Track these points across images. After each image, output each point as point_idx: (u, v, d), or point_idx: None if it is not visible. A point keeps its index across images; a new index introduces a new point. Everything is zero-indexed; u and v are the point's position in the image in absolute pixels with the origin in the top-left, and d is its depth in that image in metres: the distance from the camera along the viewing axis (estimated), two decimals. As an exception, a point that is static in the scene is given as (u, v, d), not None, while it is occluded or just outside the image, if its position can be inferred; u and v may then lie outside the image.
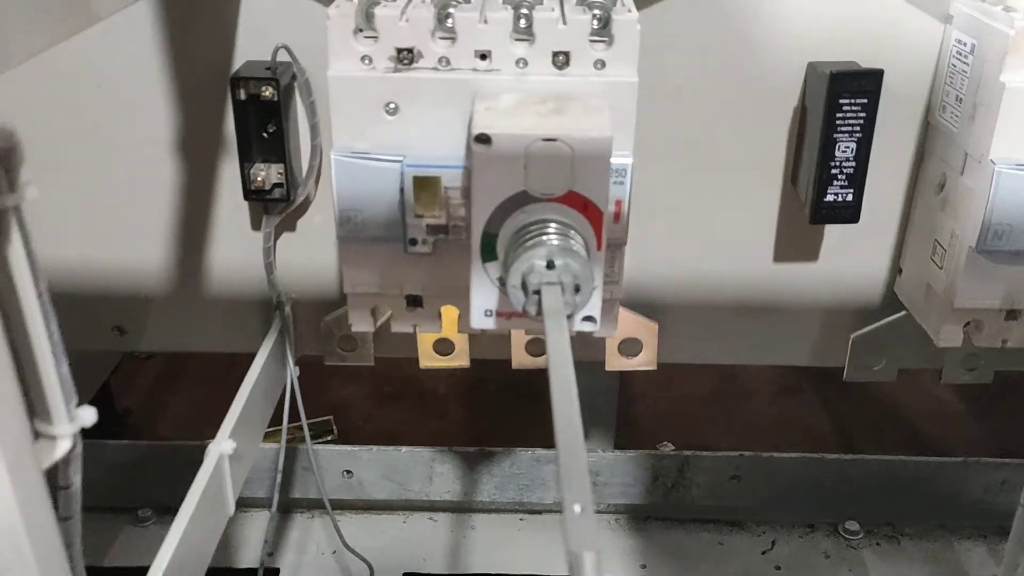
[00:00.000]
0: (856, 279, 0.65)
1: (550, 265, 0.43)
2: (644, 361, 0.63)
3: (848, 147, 0.55)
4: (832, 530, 0.95)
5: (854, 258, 0.64)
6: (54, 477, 0.31)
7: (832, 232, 0.63)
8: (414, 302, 0.56)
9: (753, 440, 0.96)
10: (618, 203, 0.51)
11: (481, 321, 0.49)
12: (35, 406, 0.30)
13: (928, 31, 0.57)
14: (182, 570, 0.47)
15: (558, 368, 0.36)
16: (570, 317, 0.44)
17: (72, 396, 0.30)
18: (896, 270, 0.64)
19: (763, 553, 0.92)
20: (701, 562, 0.91)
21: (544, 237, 0.44)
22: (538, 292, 0.43)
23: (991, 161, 0.51)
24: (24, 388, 0.28)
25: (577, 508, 0.29)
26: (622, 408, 1.18)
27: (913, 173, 0.61)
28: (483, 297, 0.48)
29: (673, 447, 1.08)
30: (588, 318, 0.49)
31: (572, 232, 0.45)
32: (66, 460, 0.31)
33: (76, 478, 0.32)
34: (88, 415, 0.31)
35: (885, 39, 0.58)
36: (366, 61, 0.50)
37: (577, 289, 0.43)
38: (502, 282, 0.47)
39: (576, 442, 0.32)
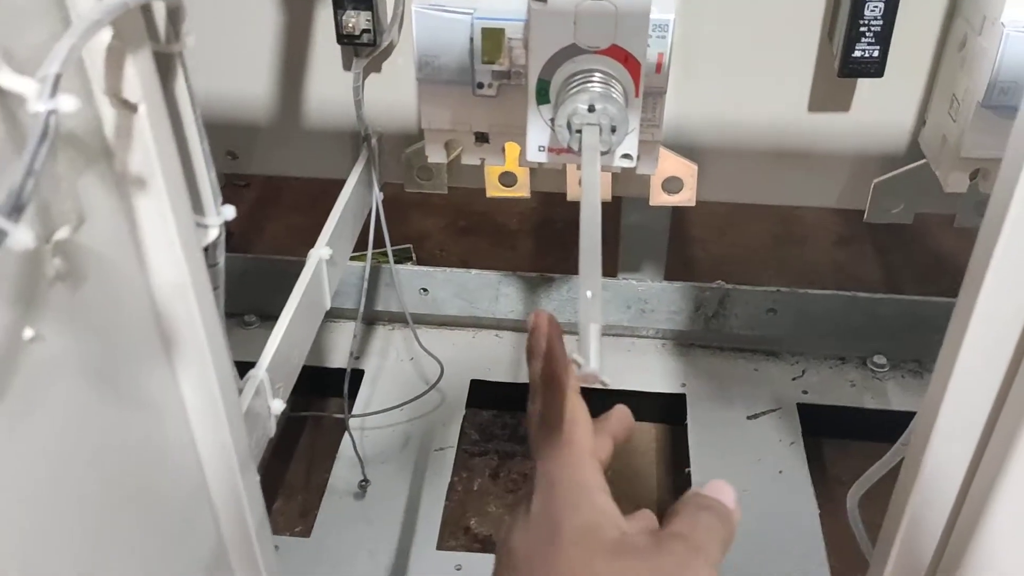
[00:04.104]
0: (884, 129, 0.71)
1: (591, 109, 0.51)
2: (684, 198, 0.71)
3: (876, 6, 0.60)
4: (861, 363, 1.04)
5: (883, 110, 0.70)
6: (206, 257, 0.42)
7: (864, 85, 0.69)
8: (481, 138, 0.65)
9: (806, 284, 1.02)
10: (660, 55, 0.58)
11: (535, 155, 0.58)
12: (195, 203, 0.40)
13: None
14: (290, 348, 0.60)
15: (589, 192, 0.45)
16: (606, 153, 0.52)
17: (219, 196, 0.41)
18: (921, 122, 0.70)
19: (793, 379, 1.02)
20: (735, 384, 1.01)
21: (588, 85, 0.52)
22: (580, 131, 0.51)
23: (1001, 23, 0.56)
24: (189, 188, 0.39)
25: (589, 293, 0.39)
26: (680, 251, 1.26)
27: (943, 32, 0.66)
28: (537, 135, 0.57)
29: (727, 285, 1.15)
30: (626, 155, 0.57)
31: (613, 81, 0.53)
32: (214, 244, 0.42)
33: (221, 259, 0.43)
34: (229, 211, 0.41)
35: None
36: (444, -78, 0.57)
37: (613, 130, 0.51)
38: (553, 122, 0.55)
39: (595, 243, 0.41)
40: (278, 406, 0.54)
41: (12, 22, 0.29)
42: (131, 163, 0.35)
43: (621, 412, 0.43)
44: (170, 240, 0.37)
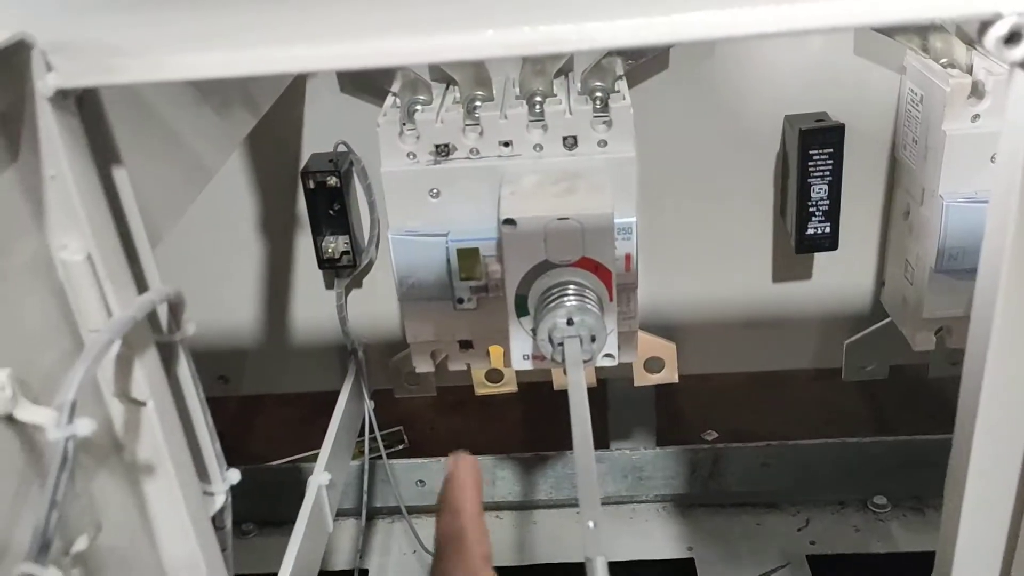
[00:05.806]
0: (846, 293, 0.74)
1: (570, 322, 0.53)
2: (666, 376, 0.73)
3: (821, 188, 0.64)
4: (862, 505, 1.04)
5: (843, 275, 0.73)
6: (214, 521, 0.43)
7: (821, 254, 0.73)
8: (466, 345, 0.67)
9: (793, 421, 1.03)
10: (627, 255, 0.61)
11: (520, 364, 0.60)
12: (200, 473, 0.41)
13: (888, 80, 0.66)
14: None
15: (577, 408, 0.47)
16: (588, 362, 0.54)
17: (223, 463, 0.42)
18: (881, 282, 0.73)
19: (798, 530, 1.02)
20: (742, 542, 1.01)
21: (563, 299, 0.54)
22: (562, 344, 0.53)
23: (940, 196, 0.60)
24: (195, 461, 0.40)
25: (591, 524, 0.40)
26: (668, 402, 1.27)
27: (887, 202, 0.70)
28: (520, 345, 0.59)
29: (717, 434, 1.16)
30: (607, 355, 0.59)
31: (587, 291, 0.55)
32: (222, 509, 0.43)
33: (228, 521, 0.43)
34: (234, 475, 0.43)
35: (851, 89, 0.67)
36: (411, 157, 0.61)
37: (593, 339, 0.54)
38: (535, 332, 0.58)
39: (590, 471, 0.42)
40: (291, 647, 0.54)
41: (26, 351, 0.31)
42: (140, 453, 0.36)
43: None
44: (180, 517, 0.38)
